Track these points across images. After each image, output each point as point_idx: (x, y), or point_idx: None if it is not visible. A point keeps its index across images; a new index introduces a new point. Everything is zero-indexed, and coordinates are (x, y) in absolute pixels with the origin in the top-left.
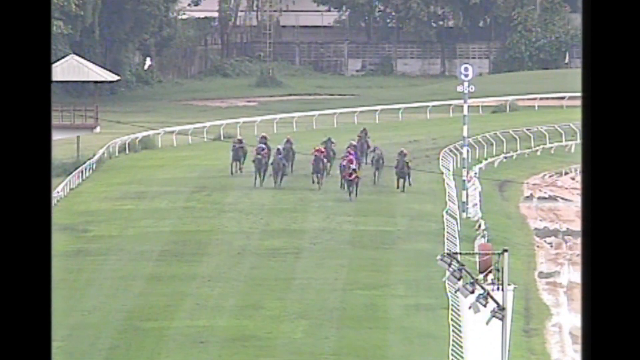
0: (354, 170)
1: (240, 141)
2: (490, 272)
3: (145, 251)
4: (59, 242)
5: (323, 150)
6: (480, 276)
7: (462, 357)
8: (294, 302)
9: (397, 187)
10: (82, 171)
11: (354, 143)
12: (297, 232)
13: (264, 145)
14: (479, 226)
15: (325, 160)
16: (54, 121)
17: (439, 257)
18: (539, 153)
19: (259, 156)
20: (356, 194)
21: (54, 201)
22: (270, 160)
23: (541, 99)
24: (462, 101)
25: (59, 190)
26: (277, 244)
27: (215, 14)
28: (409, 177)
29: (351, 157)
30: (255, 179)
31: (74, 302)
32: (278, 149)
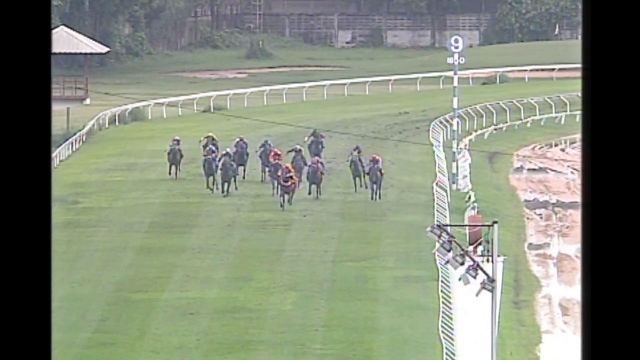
0: (290, 177)
1: (178, 142)
2: (480, 243)
3: (135, 223)
4: None
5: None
6: (470, 248)
7: (451, 328)
8: (283, 274)
9: (359, 188)
10: (71, 143)
11: (299, 147)
12: (287, 204)
13: (213, 147)
14: (469, 198)
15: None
16: None
17: (428, 228)
18: (529, 125)
19: (209, 157)
20: (290, 202)
21: None
22: (220, 165)
23: (531, 70)
24: (452, 73)
25: None
26: (267, 216)
27: None
28: (380, 187)
29: (287, 165)
30: (209, 185)
31: (63, 274)
32: (227, 152)
